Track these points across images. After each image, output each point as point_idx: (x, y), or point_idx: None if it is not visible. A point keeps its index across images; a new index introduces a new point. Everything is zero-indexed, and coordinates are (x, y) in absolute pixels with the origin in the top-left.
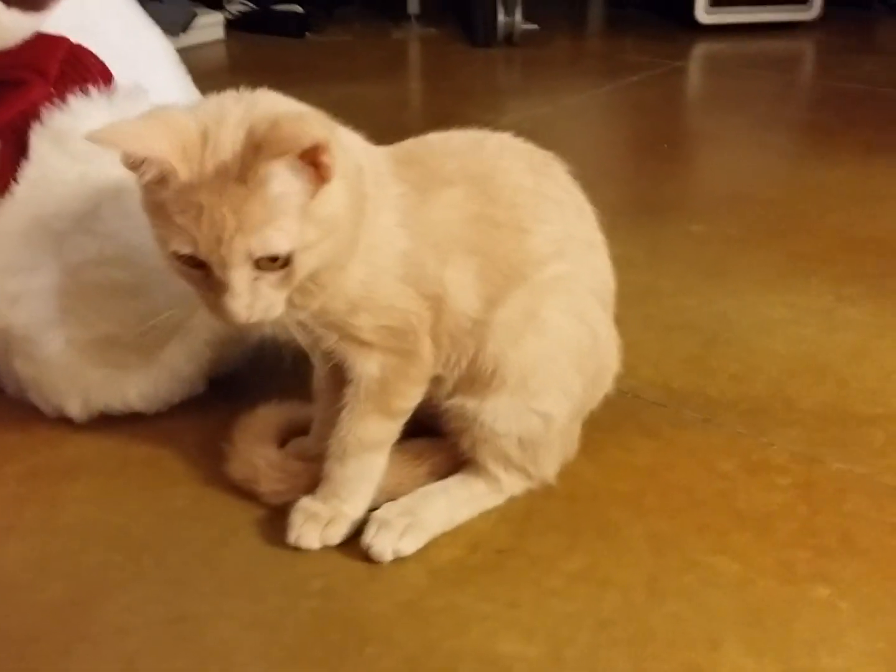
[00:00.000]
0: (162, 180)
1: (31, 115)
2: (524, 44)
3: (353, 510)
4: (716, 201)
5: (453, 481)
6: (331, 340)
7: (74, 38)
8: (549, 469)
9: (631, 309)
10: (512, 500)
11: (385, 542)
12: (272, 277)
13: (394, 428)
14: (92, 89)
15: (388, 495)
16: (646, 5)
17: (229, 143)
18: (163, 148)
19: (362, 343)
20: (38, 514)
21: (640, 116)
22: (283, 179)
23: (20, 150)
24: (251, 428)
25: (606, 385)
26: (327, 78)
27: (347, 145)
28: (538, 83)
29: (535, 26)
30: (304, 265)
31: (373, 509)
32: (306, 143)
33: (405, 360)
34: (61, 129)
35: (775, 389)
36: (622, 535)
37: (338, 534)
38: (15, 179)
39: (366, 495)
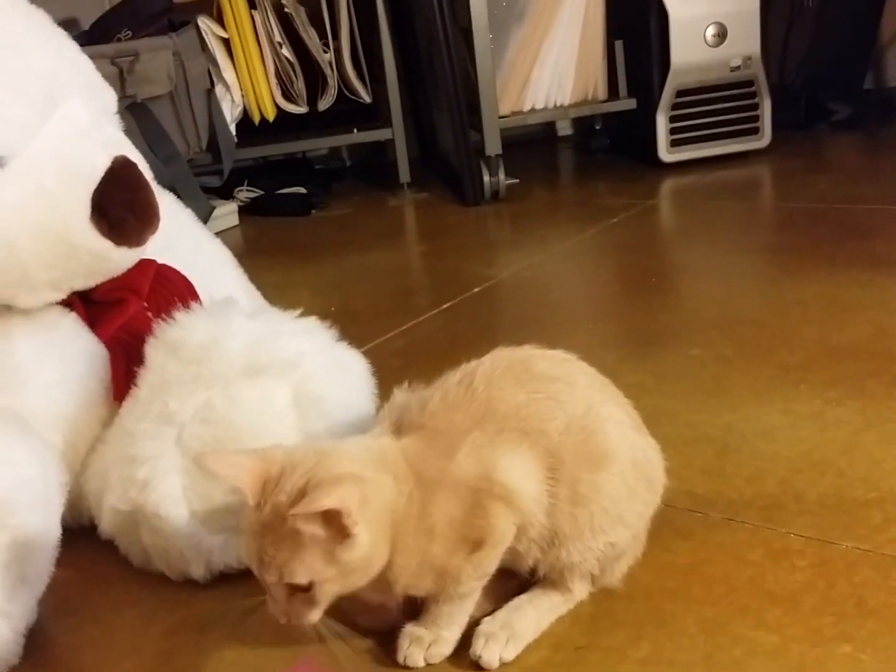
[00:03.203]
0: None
1: (130, 328)
2: (509, 198)
3: (451, 635)
4: (707, 326)
5: (536, 594)
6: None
7: (159, 259)
8: (618, 574)
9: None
10: (579, 605)
11: (493, 652)
12: (303, 596)
13: (477, 585)
14: (193, 304)
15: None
16: (612, 149)
17: (290, 485)
18: (244, 479)
19: None
20: (185, 662)
21: (625, 254)
22: (313, 526)
23: (128, 358)
24: None
25: (660, 489)
26: (337, 250)
27: (380, 494)
28: (528, 234)
29: (516, 180)
30: (326, 593)
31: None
32: (327, 505)
33: (482, 548)
34: (174, 339)
35: (785, 486)
36: (678, 623)
37: (439, 654)
38: (135, 384)
39: (461, 623)
